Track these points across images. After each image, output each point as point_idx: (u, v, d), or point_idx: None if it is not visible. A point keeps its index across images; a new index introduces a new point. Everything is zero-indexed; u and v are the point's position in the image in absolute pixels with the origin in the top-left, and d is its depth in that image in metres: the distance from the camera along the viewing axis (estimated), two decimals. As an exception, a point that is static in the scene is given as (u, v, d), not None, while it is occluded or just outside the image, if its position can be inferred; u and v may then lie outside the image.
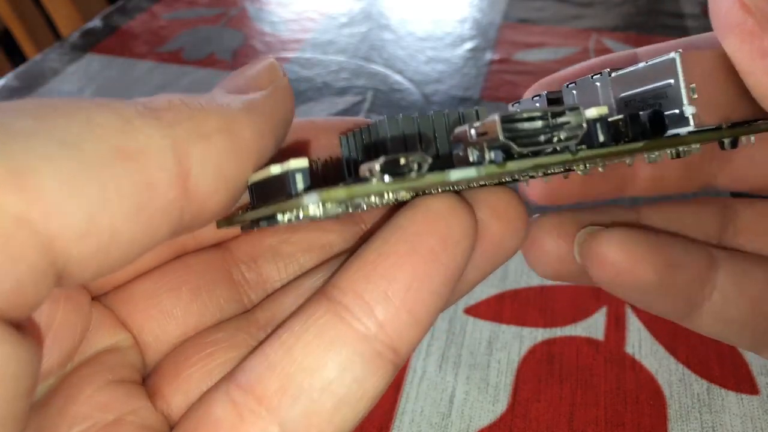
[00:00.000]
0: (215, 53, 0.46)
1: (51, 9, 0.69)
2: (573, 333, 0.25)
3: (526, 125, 0.12)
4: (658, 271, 0.15)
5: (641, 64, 0.14)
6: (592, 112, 0.13)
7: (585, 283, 0.17)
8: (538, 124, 0.12)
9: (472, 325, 0.26)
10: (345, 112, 0.39)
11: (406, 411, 0.23)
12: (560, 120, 0.13)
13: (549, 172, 0.15)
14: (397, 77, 0.43)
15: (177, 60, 0.45)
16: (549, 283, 0.27)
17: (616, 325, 0.25)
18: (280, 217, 0.12)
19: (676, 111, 0.14)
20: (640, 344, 0.25)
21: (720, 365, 0.24)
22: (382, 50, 0.46)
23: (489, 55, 0.45)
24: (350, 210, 0.12)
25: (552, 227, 0.17)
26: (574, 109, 0.12)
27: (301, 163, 0.12)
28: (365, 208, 0.13)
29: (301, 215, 0.12)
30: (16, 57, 0.73)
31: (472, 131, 0.12)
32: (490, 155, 0.12)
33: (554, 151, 0.12)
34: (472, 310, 0.26)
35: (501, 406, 0.23)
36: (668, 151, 0.14)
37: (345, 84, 0.42)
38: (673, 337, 0.25)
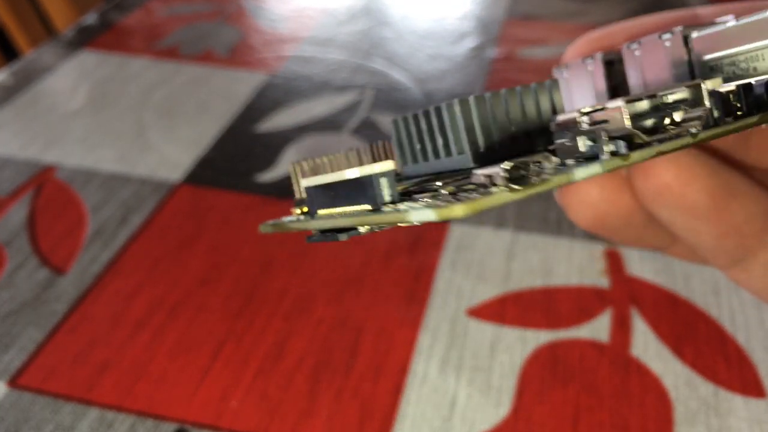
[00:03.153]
0: (212, 49, 0.45)
1: (46, 4, 0.68)
2: (577, 335, 0.25)
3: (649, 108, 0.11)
4: (713, 194, 0.13)
5: (730, 24, 0.13)
6: (708, 86, 0.11)
7: (630, 237, 0.15)
8: (658, 105, 0.11)
9: (474, 327, 0.25)
10: (344, 110, 0.39)
11: (407, 415, 0.22)
12: (673, 98, 0.11)
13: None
14: (398, 75, 0.42)
15: (174, 56, 0.44)
16: (552, 284, 0.27)
17: (621, 327, 0.25)
18: (362, 229, 0.11)
19: None
20: (646, 346, 0.24)
21: (727, 368, 0.24)
22: (382, 48, 0.46)
23: (491, 53, 0.45)
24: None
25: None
26: (693, 85, 0.11)
27: (387, 166, 0.10)
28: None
29: (387, 224, 0.10)
30: (10, 53, 0.72)
31: (585, 119, 0.11)
32: (610, 146, 0.10)
33: (675, 137, 0.11)
34: (475, 312, 0.26)
35: (504, 410, 0.22)
36: None
37: (345, 82, 0.42)
38: (680, 338, 0.25)
